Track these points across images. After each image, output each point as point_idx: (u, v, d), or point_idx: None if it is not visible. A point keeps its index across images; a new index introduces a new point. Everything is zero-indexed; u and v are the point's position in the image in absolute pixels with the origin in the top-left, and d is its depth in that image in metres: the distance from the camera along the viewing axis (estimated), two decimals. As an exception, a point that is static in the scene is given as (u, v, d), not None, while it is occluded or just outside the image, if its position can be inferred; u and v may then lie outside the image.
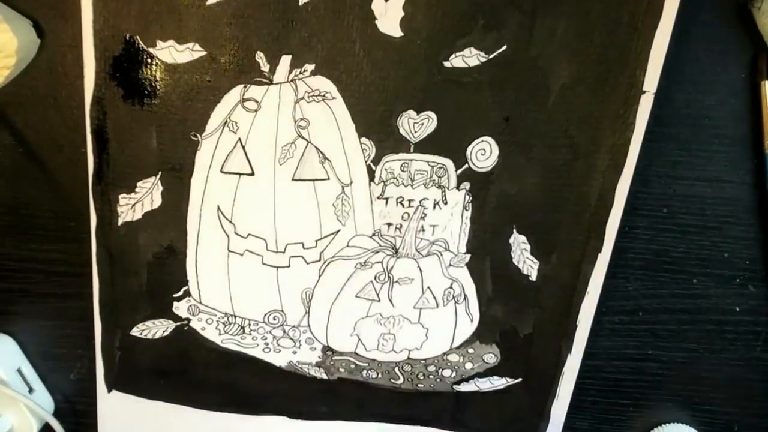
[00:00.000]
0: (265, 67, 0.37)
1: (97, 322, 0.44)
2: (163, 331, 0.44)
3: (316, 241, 0.41)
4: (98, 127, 0.39)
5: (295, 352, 0.44)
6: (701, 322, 0.44)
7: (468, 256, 0.41)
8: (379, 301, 0.43)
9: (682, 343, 0.44)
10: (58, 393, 0.47)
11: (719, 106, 0.39)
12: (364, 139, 0.39)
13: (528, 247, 0.41)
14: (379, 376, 0.45)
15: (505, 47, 0.37)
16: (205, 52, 0.37)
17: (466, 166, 0.39)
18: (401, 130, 0.39)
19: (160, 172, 0.40)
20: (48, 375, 0.46)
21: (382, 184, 0.40)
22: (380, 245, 0.42)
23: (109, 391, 0.46)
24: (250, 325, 0.43)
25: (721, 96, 0.39)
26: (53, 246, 0.42)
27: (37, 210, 0.42)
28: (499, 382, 0.44)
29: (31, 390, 0.45)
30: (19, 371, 0.45)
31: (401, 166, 0.39)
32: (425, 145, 0.39)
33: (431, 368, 0.44)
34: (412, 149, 0.39)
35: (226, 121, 0.38)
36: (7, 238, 0.42)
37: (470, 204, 0.40)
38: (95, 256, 0.42)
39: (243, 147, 0.39)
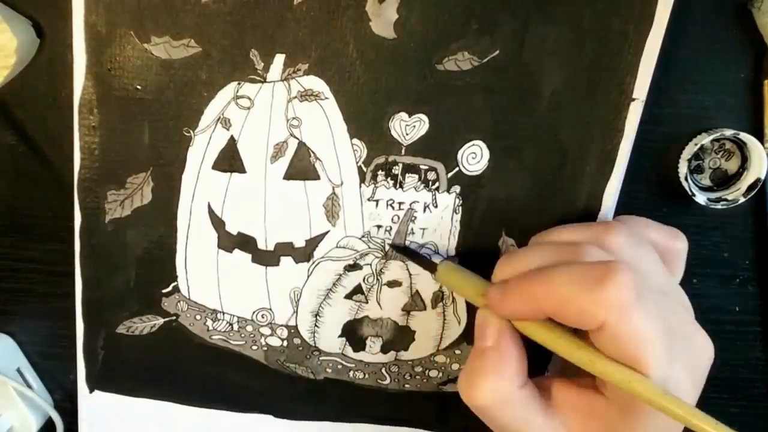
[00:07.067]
0: (259, 65, 0.37)
1: (79, 322, 0.43)
2: (151, 328, 0.44)
3: (306, 240, 0.41)
4: (88, 122, 0.39)
5: (282, 351, 0.44)
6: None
7: (457, 260, 0.42)
8: (367, 303, 0.43)
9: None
10: (58, 393, 0.47)
11: (719, 106, 0.39)
12: (355, 140, 0.39)
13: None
14: (366, 376, 0.45)
15: (497, 52, 0.37)
16: (200, 49, 0.37)
17: (457, 169, 0.40)
18: (393, 132, 0.39)
19: (151, 168, 0.40)
20: (47, 375, 0.46)
21: (373, 185, 0.40)
22: (369, 247, 0.42)
23: (91, 391, 0.45)
24: (238, 322, 0.43)
25: (721, 96, 0.39)
26: (53, 246, 0.42)
27: (37, 209, 0.41)
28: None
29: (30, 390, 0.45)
30: (19, 371, 0.45)
31: (392, 169, 0.40)
32: (416, 148, 0.39)
33: (418, 369, 0.45)
34: (403, 151, 0.39)
35: (219, 118, 0.39)
36: (7, 237, 0.42)
37: (460, 207, 0.41)
38: (78, 254, 0.42)
39: (235, 144, 0.39)
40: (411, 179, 0.40)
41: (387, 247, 0.41)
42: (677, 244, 0.37)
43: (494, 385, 0.33)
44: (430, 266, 0.40)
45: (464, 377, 0.34)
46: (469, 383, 0.34)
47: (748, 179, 0.40)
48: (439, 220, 0.41)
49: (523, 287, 0.33)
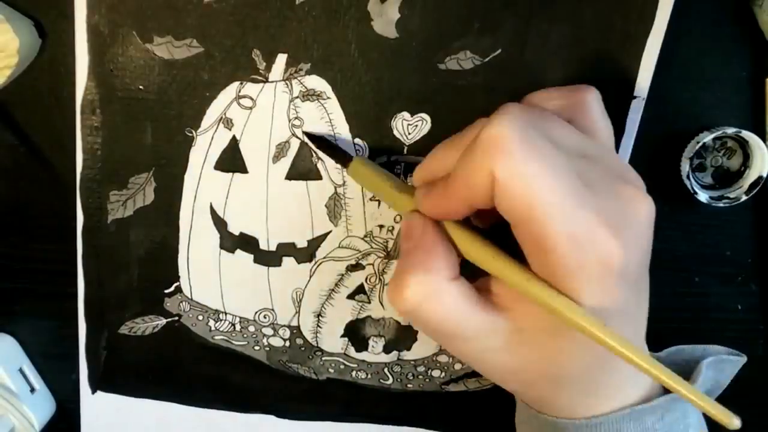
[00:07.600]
0: (261, 65, 0.38)
1: (81, 322, 0.43)
2: (153, 328, 0.44)
3: (308, 241, 0.41)
4: (91, 122, 0.39)
5: (284, 351, 0.44)
6: (703, 321, 0.44)
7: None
8: (369, 303, 0.43)
9: (684, 342, 0.44)
10: (60, 393, 0.47)
11: (721, 104, 0.39)
12: (357, 140, 0.39)
13: (518, 247, 0.41)
14: (369, 376, 0.45)
15: (499, 51, 0.37)
16: (202, 49, 0.37)
17: (459, 168, 0.40)
18: (395, 132, 0.39)
19: (153, 168, 0.40)
20: (50, 375, 0.46)
21: (375, 185, 0.40)
22: (372, 247, 0.42)
23: (94, 392, 0.46)
24: (240, 322, 0.43)
25: (723, 94, 0.39)
26: (55, 246, 0.42)
27: (39, 209, 0.41)
28: (487, 381, 0.44)
29: (32, 390, 0.45)
30: (21, 371, 0.45)
31: (394, 168, 0.40)
32: (419, 147, 0.39)
33: (421, 369, 0.45)
34: (405, 151, 0.39)
35: (221, 118, 0.39)
36: (9, 237, 0.42)
37: (462, 207, 0.41)
38: (80, 255, 0.42)
39: (237, 144, 0.39)
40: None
41: (311, 148, 0.39)
42: (580, 97, 0.33)
43: (420, 278, 0.30)
44: (343, 160, 0.38)
45: (391, 283, 0.31)
46: (395, 285, 0.31)
47: (750, 177, 0.40)
48: (441, 220, 0.41)
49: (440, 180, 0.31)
